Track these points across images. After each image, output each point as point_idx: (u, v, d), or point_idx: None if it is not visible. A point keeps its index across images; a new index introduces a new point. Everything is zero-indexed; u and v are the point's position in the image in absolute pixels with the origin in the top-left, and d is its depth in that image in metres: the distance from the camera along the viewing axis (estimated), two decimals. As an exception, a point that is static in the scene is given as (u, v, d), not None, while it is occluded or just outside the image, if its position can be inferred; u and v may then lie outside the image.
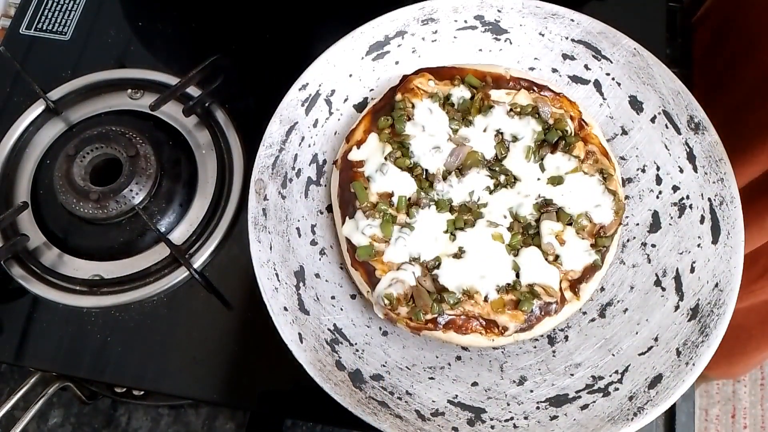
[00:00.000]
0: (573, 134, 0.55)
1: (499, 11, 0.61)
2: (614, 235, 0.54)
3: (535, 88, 0.57)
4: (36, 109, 0.69)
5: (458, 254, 0.52)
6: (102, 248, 0.63)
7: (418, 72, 0.57)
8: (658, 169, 0.58)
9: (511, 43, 0.62)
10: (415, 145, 0.55)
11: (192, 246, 0.62)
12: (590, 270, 0.53)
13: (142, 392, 0.64)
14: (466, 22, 0.61)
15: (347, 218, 0.54)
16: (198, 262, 0.61)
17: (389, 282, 0.51)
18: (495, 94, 0.57)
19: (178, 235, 0.63)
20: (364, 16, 0.61)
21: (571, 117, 0.56)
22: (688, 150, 0.57)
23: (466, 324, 0.50)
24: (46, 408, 0.65)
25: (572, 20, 0.60)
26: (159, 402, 0.65)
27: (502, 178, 0.55)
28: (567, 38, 0.60)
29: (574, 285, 0.52)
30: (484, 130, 0.56)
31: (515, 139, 0.56)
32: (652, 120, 0.59)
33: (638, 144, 0.59)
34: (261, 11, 0.73)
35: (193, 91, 0.67)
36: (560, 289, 0.52)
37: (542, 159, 0.55)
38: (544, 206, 0.54)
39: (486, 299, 0.51)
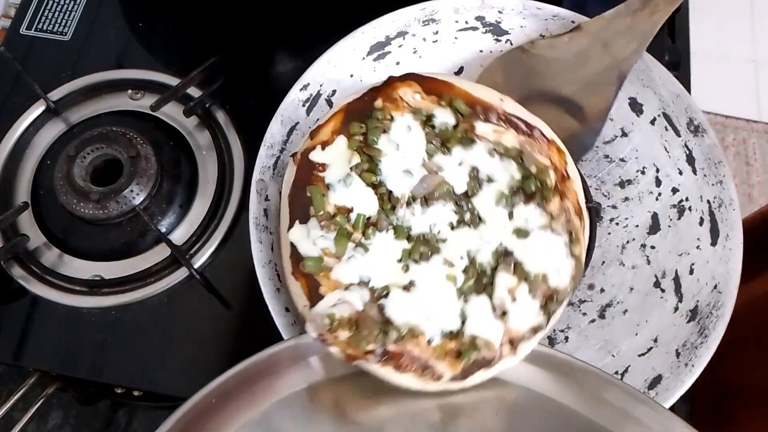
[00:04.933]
0: (552, 188, 0.51)
1: (500, 12, 0.61)
2: (564, 300, 0.50)
3: (527, 129, 0.52)
4: (36, 110, 0.68)
5: (408, 287, 0.48)
6: (102, 248, 0.63)
7: (405, 78, 0.53)
8: (657, 171, 0.59)
9: (512, 44, 0.62)
10: (385, 163, 0.51)
11: (192, 246, 0.62)
12: (534, 330, 0.49)
13: (141, 393, 0.64)
14: (467, 23, 0.62)
15: (297, 222, 0.49)
16: (198, 262, 0.62)
17: (335, 301, 0.47)
18: (481, 128, 0.52)
19: (179, 236, 0.63)
20: (364, 16, 0.61)
21: (555, 168, 0.52)
22: (687, 152, 0.57)
23: (408, 363, 0.46)
24: (46, 409, 0.65)
25: (573, 22, 0.60)
26: (159, 403, 0.65)
27: (467, 216, 0.51)
28: (567, 40, 0.60)
29: (514, 342, 0.48)
30: (460, 164, 0.51)
31: (490, 180, 0.51)
32: (652, 122, 0.59)
33: (638, 146, 0.60)
34: (261, 11, 0.73)
35: (194, 91, 0.67)
36: (500, 345, 0.48)
37: (513, 207, 0.51)
38: (504, 256, 0.50)
39: (429, 342, 0.47)
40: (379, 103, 0.52)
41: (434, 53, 0.62)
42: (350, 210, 0.50)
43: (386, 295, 0.48)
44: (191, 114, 0.66)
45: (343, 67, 0.60)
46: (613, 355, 0.53)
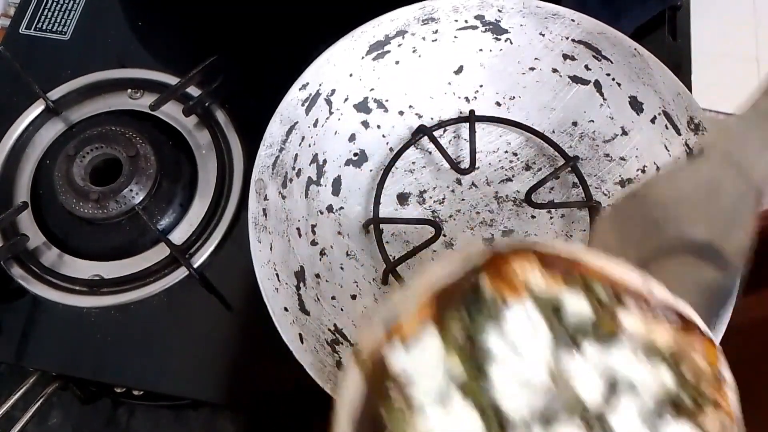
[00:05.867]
0: (709, 397, 0.37)
1: (499, 11, 0.61)
2: None
3: (682, 323, 0.38)
4: (36, 109, 0.69)
5: None
6: (102, 248, 0.63)
7: (519, 251, 0.37)
8: (658, 169, 0.58)
9: (511, 43, 0.62)
10: (496, 372, 0.35)
11: (192, 246, 0.62)
12: None
13: (141, 392, 0.64)
14: (466, 21, 0.61)
15: None
16: (198, 262, 0.62)
17: None
18: (627, 321, 0.37)
19: (178, 235, 0.63)
20: (364, 15, 0.60)
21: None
22: (688, 151, 0.57)
23: None
24: (46, 408, 0.65)
25: (572, 20, 0.60)
26: (159, 402, 0.65)
27: None
28: (567, 38, 0.60)
29: None
30: (594, 368, 0.36)
31: (632, 388, 0.36)
32: (652, 121, 0.59)
33: (638, 144, 0.59)
34: (261, 11, 0.73)
35: (193, 91, 0.67)
36: None
37: (659, 426, 0.36)
38: None
39: None
40: (488, 284, 0.36)
41: (434, 52, 0.62)
42: None
43: None
44: (191, 113, 0.66)
45: (343, 66, 0.60)
46: (613, 355, 0.52)
